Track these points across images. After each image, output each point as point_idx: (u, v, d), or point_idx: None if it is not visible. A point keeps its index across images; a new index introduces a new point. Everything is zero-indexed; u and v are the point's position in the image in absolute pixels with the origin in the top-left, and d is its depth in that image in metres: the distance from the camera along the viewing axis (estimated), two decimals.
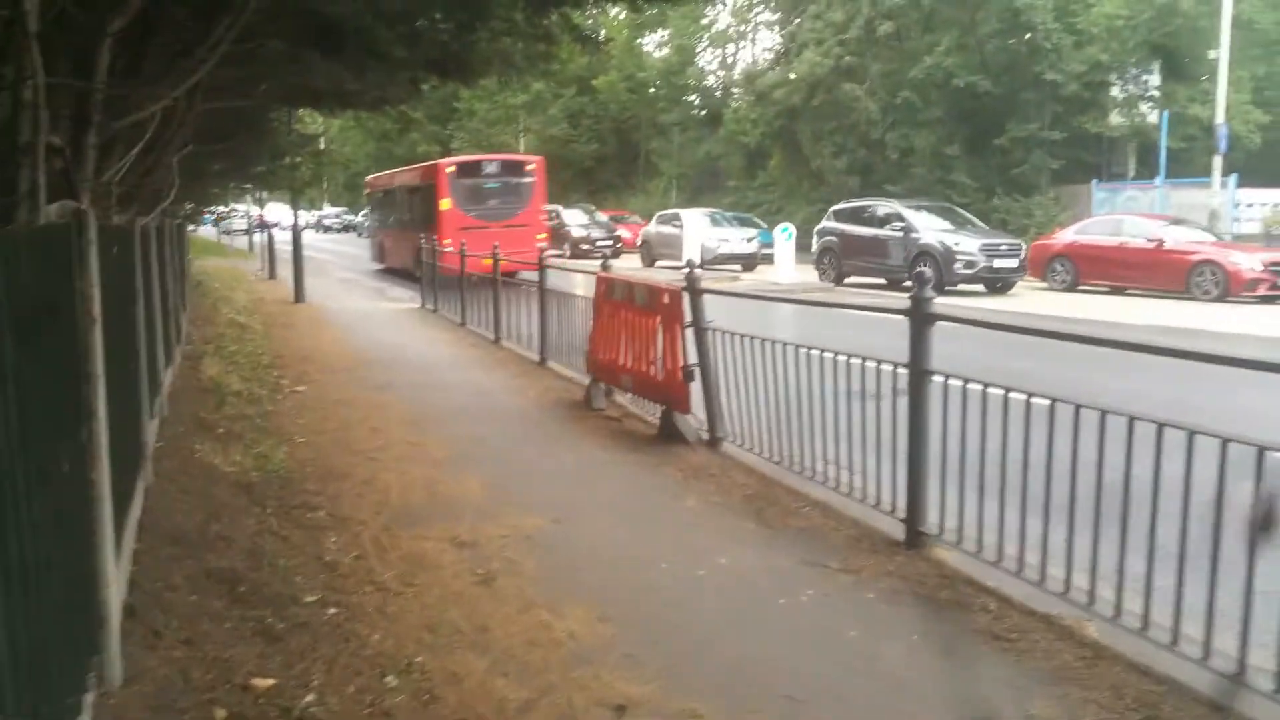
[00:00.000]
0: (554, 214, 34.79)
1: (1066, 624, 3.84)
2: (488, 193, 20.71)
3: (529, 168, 21.59)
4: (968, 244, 18.93)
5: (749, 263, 26.19)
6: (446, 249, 16.41)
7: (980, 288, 19.09)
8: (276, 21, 5.48)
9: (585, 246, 31.45)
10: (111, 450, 3.19)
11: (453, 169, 20.66)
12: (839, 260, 21.54)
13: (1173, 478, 3.36)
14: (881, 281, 20.38)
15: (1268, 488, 2.95)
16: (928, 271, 4.83)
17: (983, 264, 18.69)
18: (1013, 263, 19.07)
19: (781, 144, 37.25)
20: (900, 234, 19.84)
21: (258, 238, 30.22)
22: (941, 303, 4.90)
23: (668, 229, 27.96)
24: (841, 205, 22.84)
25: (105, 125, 4.42)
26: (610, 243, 32.33)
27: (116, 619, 3.13)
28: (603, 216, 36.44)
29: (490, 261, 12.27)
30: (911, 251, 19.41)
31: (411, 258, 19.76)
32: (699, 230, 26.44)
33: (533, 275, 11.00)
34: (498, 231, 18.05)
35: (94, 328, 3.03)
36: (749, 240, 26.59)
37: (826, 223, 22.36)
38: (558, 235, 32.05)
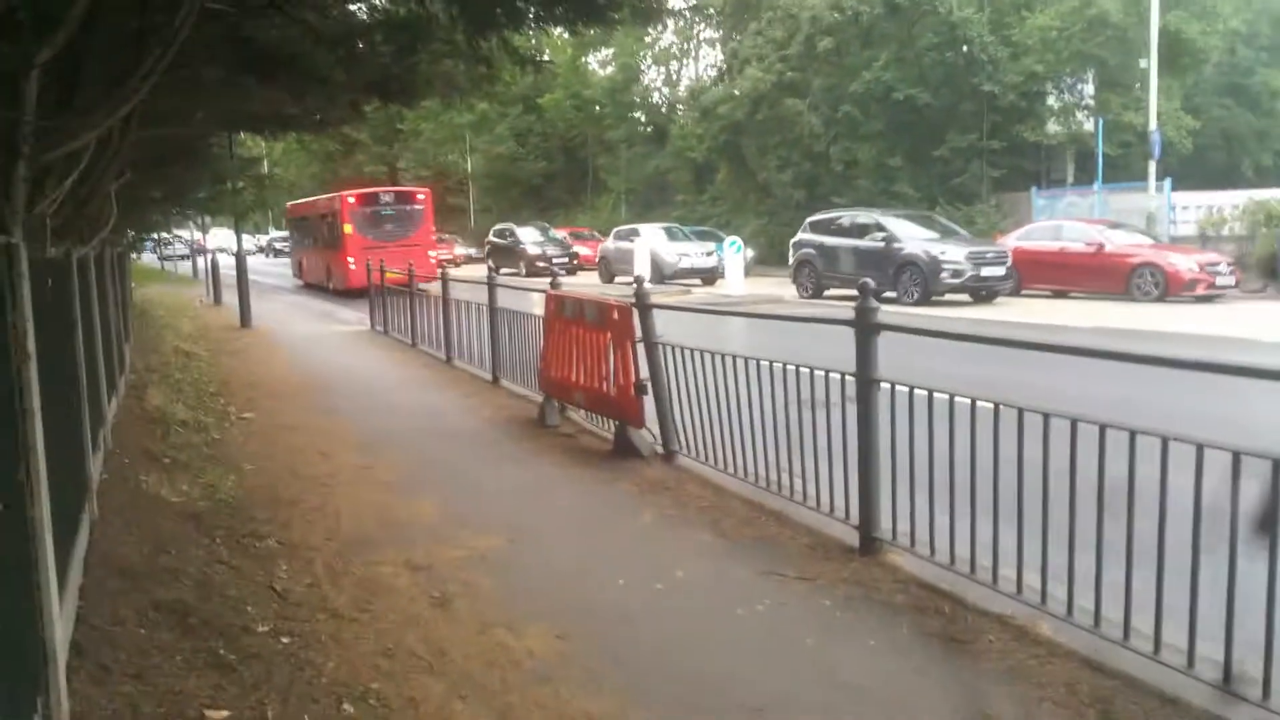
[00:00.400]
0: (507, 232, 34.90)
1: (1020, 623, 3.91)
2: (384, 219, 24.02)
3: (419, 197, 25.40)
4: (954, 253, 18.60)
5: (709, 277, 26.02)
6: (351, 267, 21.26)
7: (966, 297, 18.85)
8: (211, 48, 5.41)
9: (541, 264, 31.13)
10: (52, 486, 3.12)
11: (353, 199, 23.81)
12: (818, 273, 21.01)
13: (1119, 477, 3.44)
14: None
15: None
16: (870, 283, 4.85)
17: (970, 273, 18.38)
18: (1000, 270, 18.85)
19: (728, 158, 37.54)
20: (882, 244, 19.45)
21: (201, 263, 30.25)
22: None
23: (625, 244, 27.69)
24: (819, 216, 22.34)
25: (36, 157, 4.33)
26: (565, 259, 32.20)
27: (63, 656, 3.05)
28: (558, 234, 36.31)
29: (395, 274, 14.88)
30: (895, 262, 19.00)
31: (324, 274, 25.17)
32: (654, 246, 26.32)
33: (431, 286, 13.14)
34: (394, 250, 21.04)
35: (28, 363, 2.96)
36: (708, 255, 26.42)
37: (803, 234, 21.78)
38: (512, 254, 32.28)
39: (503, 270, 30.56)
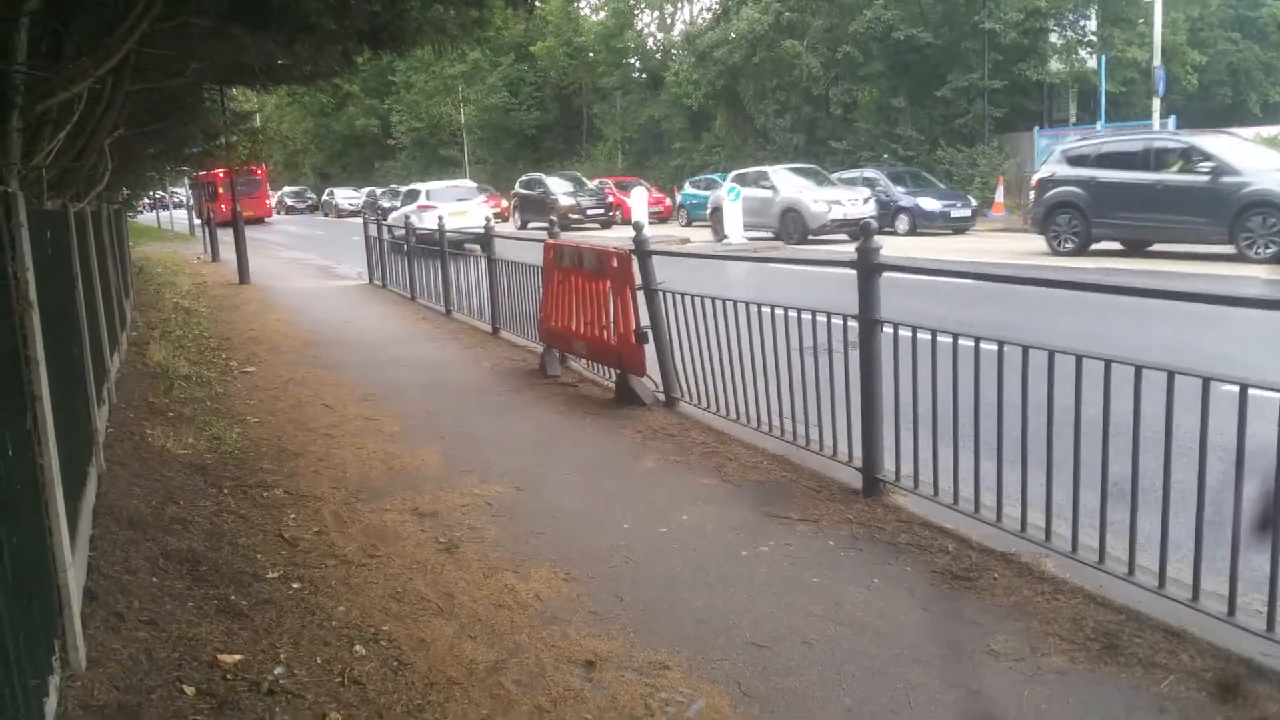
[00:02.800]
0: (535, 183, 32.53)
1: (1024, 560, 3.94)
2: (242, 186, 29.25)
3: (259, 174, 36.49)
4: None
5: (853, 232, 19.32)
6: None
7: None
8: None
9: (574, 216, 29.14)
10: (60, 436, 3.14)
11: (222, 174, 28.10)
12: (1086, 220, 15.44)
13: (1123, 412, 3.45)
14: (1168, 248, 14.83)
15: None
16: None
17: None
18: None
19: (725, 104, 37.14)
20: (1207, 178, 13.86)
21: (198, 221, 32.70)
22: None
23: (751, 192, 22.53)
24: (1079, 144, 16.88)
25: (29, 108, 4.29)
26: (601, 211, 29.98)
27: (77, 603, 3.10)
28: (592, 183, 33.53)
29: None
30: (1233, 203, 13.46)
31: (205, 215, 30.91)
32: (796, 194, 21.50)
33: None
34: (246, 201, 27.26)
35: (31, 312, 2.96)
36: (864, 201, 21.45)
37: (1056, 168, 16.17)
38: (543, 206, 29.68)
39: (530, 225, 29.24)
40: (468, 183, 28.51)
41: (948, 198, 22.85)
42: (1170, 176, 14.51)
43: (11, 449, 2.52)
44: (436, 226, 12.61)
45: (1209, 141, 14.79)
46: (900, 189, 23.15)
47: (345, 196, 49.61)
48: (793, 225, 21.33)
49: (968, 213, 22.41)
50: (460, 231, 14.06)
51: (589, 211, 29.85)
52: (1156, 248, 15.21)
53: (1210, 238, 13.89)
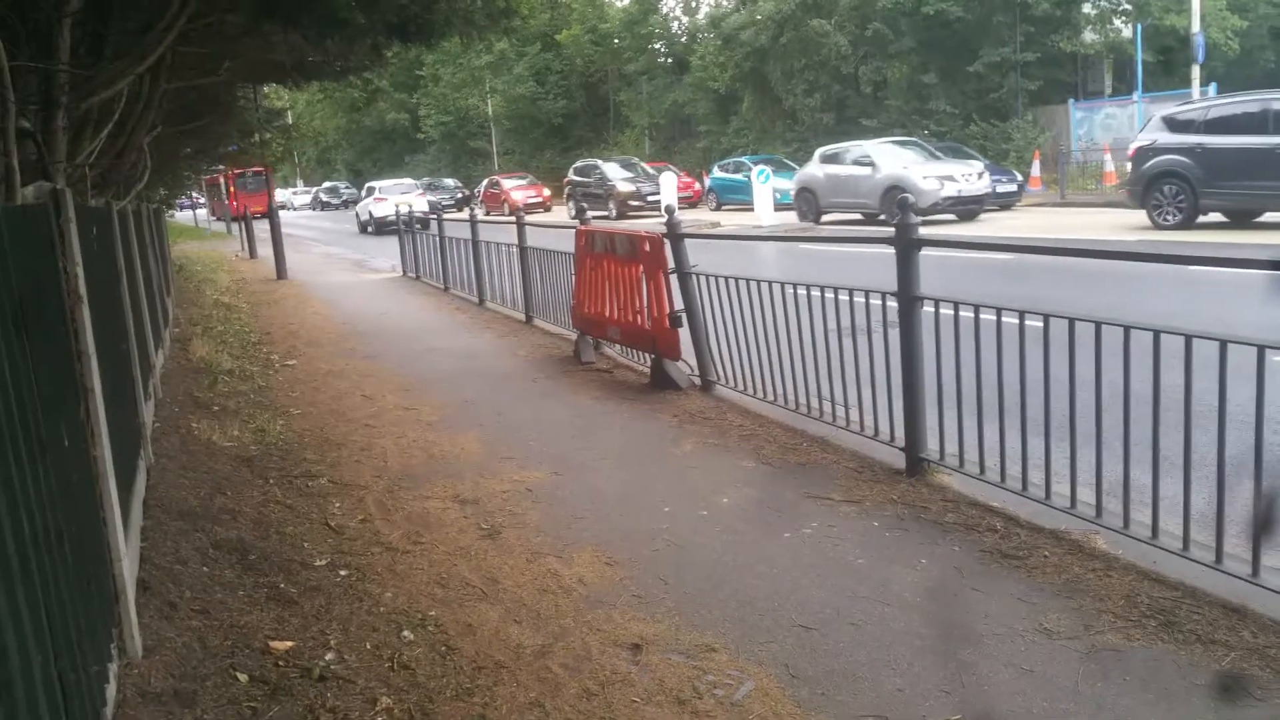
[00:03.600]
0: (591, 169, 31.16)
1: (1075, 538, 3.89)
2: (247, 182, 34.85)
3: (262, 173, 36.63)
4: None
5: (971, 210, 18.69)
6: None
7: None
8: None
9: (634, 203, 27.16)
10: (110, 428, 3.18)
11: (236, 174, 32.89)
12: (1192, 191, 14.04)
13: (1173, 386, 3.38)
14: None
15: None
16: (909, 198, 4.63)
17: None
18: None
19: (752, 86, 36.81)
20: None
21: (214, 220, 37.23)
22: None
23: (845, 170, 20.34)
24: (1182, 109, 15.16)
25: (73, 107, 4.36)
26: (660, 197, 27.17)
27: (131, 592, 3.14)
28: (650, 168, 31.28)
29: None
30: None
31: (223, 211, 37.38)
32: (901, 169, 19.08)
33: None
34: (253, 196, 32.68)
35: (81, 306, 3.00)
36: (978, 176, 19.05)
37: (1157, 134, 14.78)
38: (599, 193, 28.41)
39: (585, 215, 27.49)
40: (409, 180, 36.62)
41: (993, 172, 20.86)
42: None
43: (68, 439, 2.57)
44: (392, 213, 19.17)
45: None
46: None
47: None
48: (898, 205, 19.54)
49: (1014, 188, 21.33)
50: (410, 214, 19.55)
51: (649, 198, 27.40)
52: (1267, 217, 14.12)
53: None
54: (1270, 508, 3.17)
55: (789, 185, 22.99)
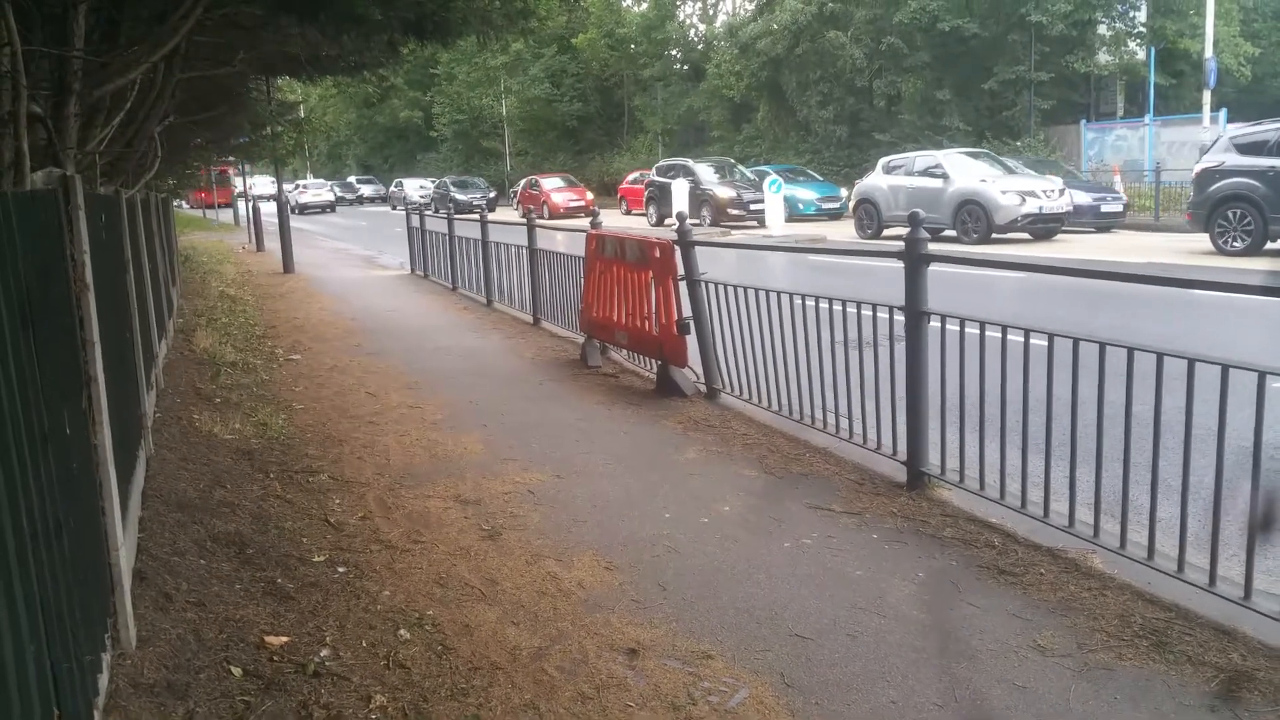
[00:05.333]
0: (678, 170, 26.95)
1: (1071, 556, 3.89)
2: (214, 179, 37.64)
3: (232, 173, 39.24)
4: None
5: (1049, 230, 17.74)
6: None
7: None
8: None
9: (734, 212, 23.92)
10: (112, 418, 3.19)
11: (219, 172, 35.80)
12: (1263, 215, 13.40)
13: (1174, 409, 3.37)
14: None
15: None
16: (922, 212, 4.66)
17: None
18: None
19: (767, 95, 36.90)
20: None
21: (243, 211, 36.66)
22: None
23: (912, 181, 19.16)
24: (1255, 130, 14.42)
25: (85, 94, 4.36)
26: (763, 205, 22.95)
27: (127, 582, 3.15)
28: (749, 173, 27.51)
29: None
30: None
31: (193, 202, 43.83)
32: (974, 182, 17.86)
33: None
34: (219, 192, 38.34)
35: (87, 294, 3.01)
36: (1060, 193, 17.78)
37: (1225, 157, 14.19)
38: (693, 200, 24.98)
39: (666, 221, 24.37)
40: (323, 181, 53.23)
41: (1092, 190, 19.70)
42: None
43: (70, 428, 2.57)
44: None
45: None
46: None
47: (415, 187, 47.24)
48: (972, 220, 17.76)
49: (1119, 208, 19.64)
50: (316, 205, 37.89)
51: (752, 206, 23.89)
52: None
53: None
54: (1265, 527, 3.16)
55: (810, 195, 22.85)
